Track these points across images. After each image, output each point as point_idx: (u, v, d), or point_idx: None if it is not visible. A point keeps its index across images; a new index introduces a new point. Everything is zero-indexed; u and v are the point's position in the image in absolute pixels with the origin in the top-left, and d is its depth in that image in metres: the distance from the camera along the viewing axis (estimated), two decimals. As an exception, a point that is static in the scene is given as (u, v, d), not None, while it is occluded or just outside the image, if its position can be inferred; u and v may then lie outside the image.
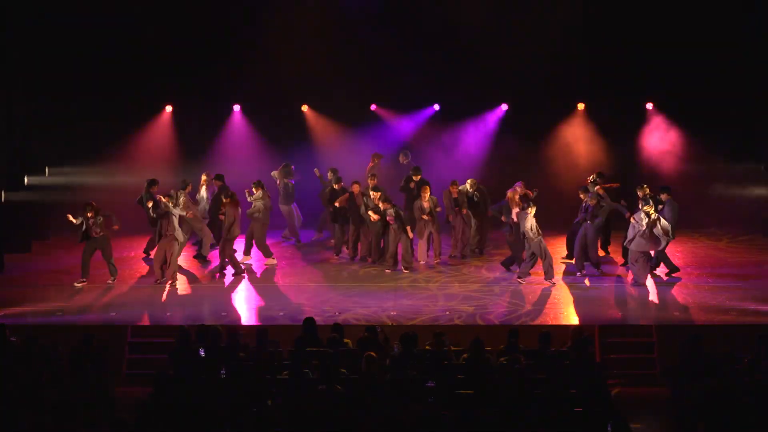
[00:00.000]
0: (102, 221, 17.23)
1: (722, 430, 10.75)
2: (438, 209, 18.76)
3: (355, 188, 19.07)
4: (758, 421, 10.78)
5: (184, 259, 18.84)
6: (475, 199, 19.23)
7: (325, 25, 21.81)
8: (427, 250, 19.01)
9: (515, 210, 17.91)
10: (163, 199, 17.40)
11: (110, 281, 17.42)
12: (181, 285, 17.57)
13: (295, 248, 20.47)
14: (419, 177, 19.49)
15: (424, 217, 18.53)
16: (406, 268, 18.18)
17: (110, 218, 17.52)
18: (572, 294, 16.87)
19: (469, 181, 19.42)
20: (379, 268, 18.43)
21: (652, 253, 17.08)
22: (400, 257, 18.36)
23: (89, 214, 17.17)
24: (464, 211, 19.08)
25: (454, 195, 19.05)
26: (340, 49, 21.89)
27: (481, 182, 19.71)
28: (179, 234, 17.41)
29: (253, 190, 18.79)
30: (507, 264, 18.22)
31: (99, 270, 17.55)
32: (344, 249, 19.44)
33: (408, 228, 18.25)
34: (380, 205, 18.25)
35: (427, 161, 21.96)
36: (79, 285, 17.30)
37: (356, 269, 18.60)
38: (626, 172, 21.45)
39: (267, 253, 18.88)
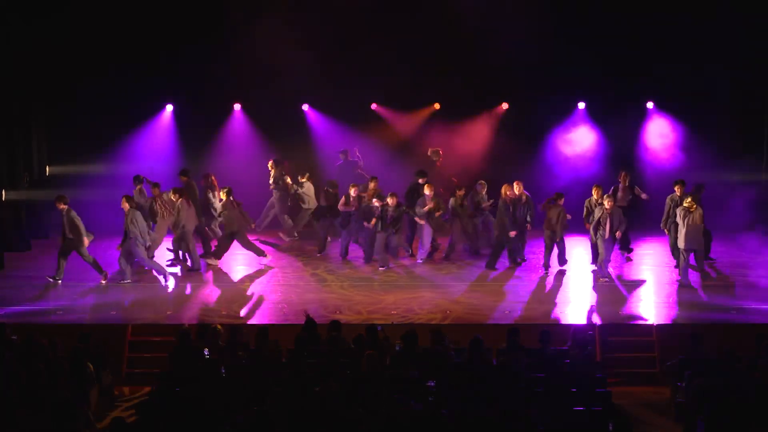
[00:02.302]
0: (72, 217, 17.17)
1: (722, 428, 10.75)
2: (438, 213, 18.83)
3: (353, 191, 19.14)
4: (758, 420, 10.78)
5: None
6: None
7: (326, 25, 21.84)
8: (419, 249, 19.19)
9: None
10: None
11: (54, 279, 17.34)
12: (181, 284, 17.59)
13: (294, 247, 20.52)
14: (425, 180, 19.52)
15: (420, 221, 18.69)
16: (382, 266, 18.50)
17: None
18: (573, 293, 16.90)
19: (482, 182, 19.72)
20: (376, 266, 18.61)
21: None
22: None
23: (61, 207, 17.16)
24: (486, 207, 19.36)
25: (482, 193, 19.34)
26: (340, 49, 21.91)
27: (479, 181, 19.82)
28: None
29: (221, 195, 18.77)
30: (513, 259, 18.30)
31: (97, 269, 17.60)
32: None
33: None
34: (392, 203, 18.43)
35: (427, 160, 21.96)
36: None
37: (356, 267, 18.65)
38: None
39: (259, 252, 18.94)
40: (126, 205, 17.24)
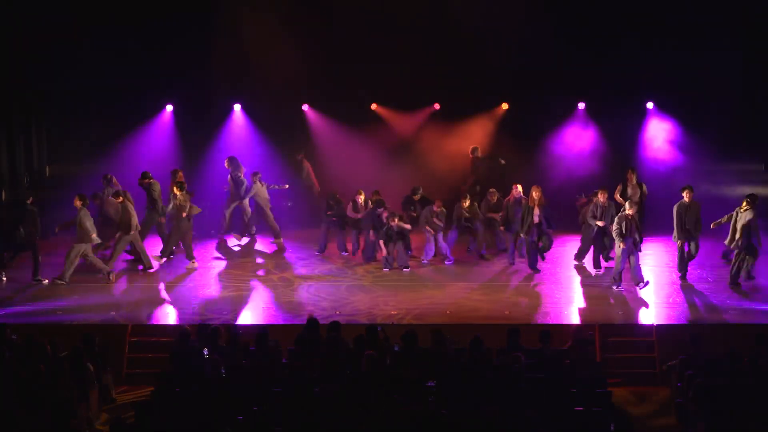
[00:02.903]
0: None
1: (722, 428, 10.76)
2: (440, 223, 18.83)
3: (360, 198, 19.12)
4: (758, 420, 10.79)
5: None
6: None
7: (326, 25, 21.85)
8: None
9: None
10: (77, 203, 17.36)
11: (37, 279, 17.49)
12: (182, 284, 17.60)
13: (293, 247, 20.52)
14: (419, 196, 19.52)
15: (428, 229, 18.67)
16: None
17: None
18: (573, 293, 16.90)
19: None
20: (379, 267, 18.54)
21: None
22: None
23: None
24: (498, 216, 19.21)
25: (493, 201, 19.18)
26: (340, 48, 21.91)
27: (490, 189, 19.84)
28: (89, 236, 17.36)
29: (176, 191, 18.62)
30: (533, 264, 18.12)
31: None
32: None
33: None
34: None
35: (427, 161, 22.00)
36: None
37: (358, 269, 18.65)
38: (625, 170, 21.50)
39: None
40: (78, 203, 17.28)
